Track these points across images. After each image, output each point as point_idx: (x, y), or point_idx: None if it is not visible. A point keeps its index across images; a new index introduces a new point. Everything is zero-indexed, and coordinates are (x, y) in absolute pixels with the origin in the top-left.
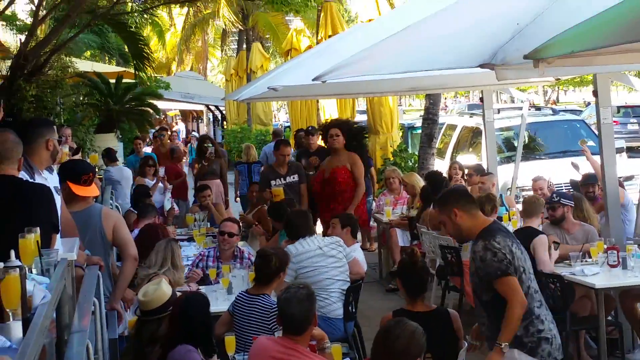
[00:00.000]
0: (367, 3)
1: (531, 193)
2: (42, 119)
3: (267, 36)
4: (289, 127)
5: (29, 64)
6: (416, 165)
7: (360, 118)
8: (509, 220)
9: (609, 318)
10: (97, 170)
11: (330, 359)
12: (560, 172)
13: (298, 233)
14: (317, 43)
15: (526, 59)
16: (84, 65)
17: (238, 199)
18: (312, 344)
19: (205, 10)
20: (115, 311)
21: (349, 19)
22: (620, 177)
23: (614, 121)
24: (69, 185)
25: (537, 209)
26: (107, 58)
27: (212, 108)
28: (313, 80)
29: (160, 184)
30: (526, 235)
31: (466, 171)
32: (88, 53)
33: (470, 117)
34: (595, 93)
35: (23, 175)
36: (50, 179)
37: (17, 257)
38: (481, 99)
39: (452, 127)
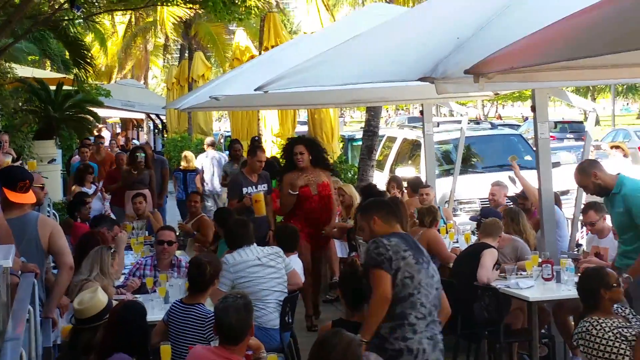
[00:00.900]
0: (310, 14)
1: (468, 206)
2: None
3: (209, 46)
4: (229, 136)
5: None
6: (356, 176)
7: (301, 129)
8: (447, 232)
9: (542, 331)
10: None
11: None
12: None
13: (237, 242)
14: (260, 53)
15: (467, 74)
16: (24, 71)
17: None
18: (248, 354)
19: (147, 18)
20: (50, 319)
21: (292, 30)
22: (557, 191)
23: (551, 136)
24: (5, 192)
25: (495, 231)
26: (48, 64)
27: (153, 116)
28: (255, 90)
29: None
30: (478, 248)
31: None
32: (29, 58)
33: (411, 129)
34: (533, 108)
35: None
36: None
37: None
38: (421, 112)
39: (392, 140)
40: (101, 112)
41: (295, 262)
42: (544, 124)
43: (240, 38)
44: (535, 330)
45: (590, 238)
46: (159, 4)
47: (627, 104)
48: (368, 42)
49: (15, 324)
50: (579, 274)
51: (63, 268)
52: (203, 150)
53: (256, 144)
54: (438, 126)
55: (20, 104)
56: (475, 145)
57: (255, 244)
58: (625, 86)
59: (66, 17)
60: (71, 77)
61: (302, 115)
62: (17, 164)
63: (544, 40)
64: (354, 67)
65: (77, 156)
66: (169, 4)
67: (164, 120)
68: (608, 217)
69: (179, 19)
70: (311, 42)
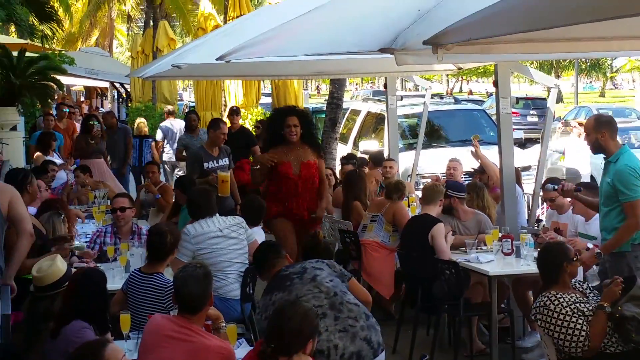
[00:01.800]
0: None
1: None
2: None
3: (175, 15)
4: (194, 107)
5: None
6: None
7: (265, 100)
8: (409, 206)
9: (502, 305)
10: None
11: (225, 339)
12: (461, 160)
13: (199, 213)
14: (225, 23)
15: (425, 45)
16: None
17: None
18: (207, 323)
19: None
20: (9, 286)
21: (258, 2)
22: (519, 167)
23: (514, 112)
24: None
25: (435, 196)
26: (12, 31)
27: (117, 85)
28: (217, 59)
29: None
30: (423, 223)
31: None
32: None
33: (375, 103)
34: (495, 83)
35: None
36: None
37: None
38: (385, 86)
39: (356, 113)
40: (65, 79)
41: (258, 234)
42: (505, 99)
43: (205, 6)
44: (494, 304)
45: (550, 214)
46: None
47: (591, 81)
48: (330, 12)
49: None
50: (539, 249)
51: (23, 235)
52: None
53: (217, 118)
54: (402, 100)
55: None
56: (438, 119)
57: (217, 215)
58: (588, 64)
59: None
60: (35, 43)
61: (267, 87)
62: None
63: (503, 11)
64: (316, 37)
65: (42, 124)
66: None
67: (128, 89)
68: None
69: None
70: (274, 13)
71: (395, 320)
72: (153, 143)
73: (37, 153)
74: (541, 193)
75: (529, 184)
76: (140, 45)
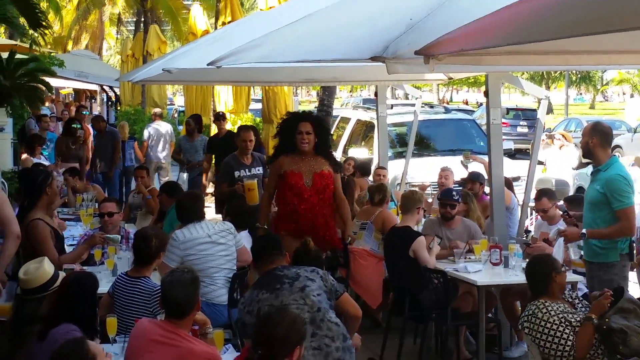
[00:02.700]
0: None
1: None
2: None
3: (166, 19)
4: (183, 111)
5: None
6: None
7: (256, 106)
8: (397, 214)
9: (489, 315)
10: None
11: (211, 344)
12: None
13: (188, 217)
14: (216, 29)
15: (417, 55)
16: None
17: None
18: (194, 328)
19: None
20: None
21: (250, 7)
22: (511, 177)
23: (504, 123)
24: None
25: (413, 204)
26: (1, 32)
27: (107, 88)
28: (208, 65)
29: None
30: (403, 237)
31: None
32: None
33: (365, 111)
34: (486, 93)
35: None
36: None
37: None
38: (376, 94)
39: (346, 120)
40: (54, 82)
41: (246, 239)
42: (496, 110)
43: (196, 13)
44: (482, 314)
45: (540, 224)
46: None
47: (581, 93)
48: (321, 20)
49: None
50: (527, 260)
51: (9, 237)
52: None
53: (241, 125)
54: (392, 108)
55: None
56: (428, 128)
57: (206, 220)
58: (579, 76)
59: None
60: (24, 44)
61: (257, 93)
62: None
63: (494, 23)
64: (306, 44)
65: (32, 127)
66: None
67: (118, 93)
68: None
69: None
70: (265, 19)
71: (382, 328)
72: (135, 143)
73: (25, 155)
74: (531, 203)
75: (518, 195)
76: (131, 48)
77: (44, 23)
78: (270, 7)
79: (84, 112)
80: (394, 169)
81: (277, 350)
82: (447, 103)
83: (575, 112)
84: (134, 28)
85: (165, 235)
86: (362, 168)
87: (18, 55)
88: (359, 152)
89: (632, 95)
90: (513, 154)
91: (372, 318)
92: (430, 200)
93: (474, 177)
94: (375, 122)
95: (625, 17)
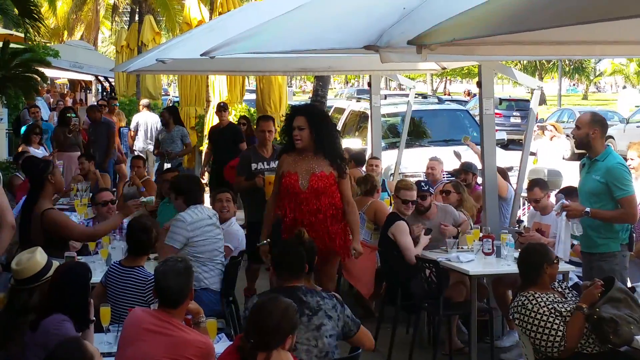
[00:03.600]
0: None
1: (413, 179)
2: None
3: (159, 10)
4: (178, 102)
5: None
6: None
7: (250, 97)
8: (390, 204)
9: (483, 304)
10: None
11: (204, 333)
12: (443, 159)
13: (194, 198)
14: (211, 19)
15: (410, 45)
16: None
17: None
18: (187, 318)
19: None
20: None
21: None
22: (506, 168)
23: (497, 113)
24: None
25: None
26: None
27: (102, 79)
28: (202, 55)
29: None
30: (387, 221)
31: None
32: None
33: (358, 101)
34: (479, 84)
35: None
36: None
37: None
38: (369, 84)
39: (340, 111)
40: (49, 72)
41: (233, 224)
42: (489, 100)
43: (191, 3)
44: (474, 303)
45: (532, 214)
46: None
47: (574, 84)
48: (315, 9)
49: None
50: (520, 249)
51: (5, 227)
52: None
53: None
54: (385, 98)
55: None
56: (422, 119)
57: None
58: (572, 66)
59: None
60: (19, 34)
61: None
62: None
63: (487, 13)
64: (300, 34)
65: (28, 117)
66: None
67: (113, 83)
68: (552, 195)
69: None
70: (259, 9)
71: (375, 317)
72: (129, 132)
73: (22, 145)
74: (523, 193)
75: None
76: (126, 39)
77: (35, 15)
78: None
79: (72, 116)
80: (387, 159)
81: (269, 339)
82: (449, 94)
83: (568, 102)
84: (128, 19)
85: (158, 224)
86: (357, 158)
87: (12, 45)
88: (352, 143)
89: (624, 87)
90: (506, 145)
91: (365, 307)
92: None
93: (467, 168)
94: (368, 112)
95: (619, 6)
